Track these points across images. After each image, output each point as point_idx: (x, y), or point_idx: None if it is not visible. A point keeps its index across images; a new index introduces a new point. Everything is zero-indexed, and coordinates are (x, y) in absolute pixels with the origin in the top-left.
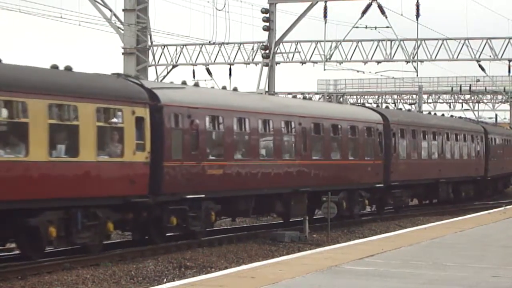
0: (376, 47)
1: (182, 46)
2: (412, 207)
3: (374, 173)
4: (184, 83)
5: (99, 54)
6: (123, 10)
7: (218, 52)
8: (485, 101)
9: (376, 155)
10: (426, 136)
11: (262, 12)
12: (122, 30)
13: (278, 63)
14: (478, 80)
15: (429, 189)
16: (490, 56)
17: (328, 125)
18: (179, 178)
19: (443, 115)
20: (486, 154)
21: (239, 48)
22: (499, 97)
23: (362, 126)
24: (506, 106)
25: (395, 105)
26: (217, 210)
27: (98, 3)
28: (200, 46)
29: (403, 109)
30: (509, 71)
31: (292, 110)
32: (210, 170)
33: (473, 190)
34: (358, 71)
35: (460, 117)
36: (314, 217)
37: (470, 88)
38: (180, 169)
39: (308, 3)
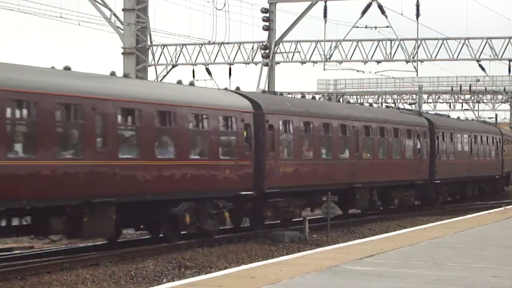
0: (376, 47)
1: (181, 46)
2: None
3: (237, 177)
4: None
5: (98, 54)
6: (122, 9)
7: (218, 52)
8: (485, 101)
9: (240, 154)
10: (330, 131)
11: (262, 12)
12: (122, 29)
13: (278, 63)
14: (478, 80)
15: (342, 196)
16: (490, 56)
17: (151, 112)
18: None
19: (371, 104)
20: (431, 153)
21: (239, 48)
22: (499, 97)
23: (215, 115)
24: (506, 106)
25: (395, 105)
26: None
27: (98, 2)
28: (200, 46)
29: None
30: (509, 71)
31: (78, 89)
32: None
33: (415, 196)
34: (358, 71)
35: (398, 108)
36: (147, 235)
37: (470, 88)
38: None
39: (308, 3)
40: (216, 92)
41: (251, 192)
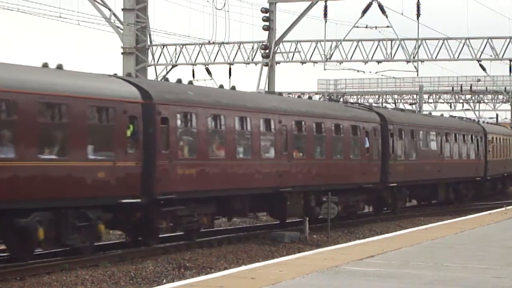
0: (377, 46)
1: (181, 46)
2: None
3: (116, 182)
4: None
5: (98, 53)
6: (122, 9)
7: (217, 51)
8: (486, 101)
9: (121, 153)
10: (249, 126)
11: (262, 12)
12: (122, 29)
13: (278, 62)
14: (479, 80)
15: (268, 202)
16: (491, 56)
17: None
18: None
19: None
20: (384, 152)
21: (239, 48)
22: (500, 97)
23: (82, 105)
24: (507, 106)
25: (395, 105)
26: None
27: (98, 2)
28: (200, 45)
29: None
30: (510, 71)
31: None
32: None
33: (365, 201)
34: (358, 71)
35: (345, 102)
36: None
37: (471, 88)
38: None
39: (308, 3)
40: (90, 78)
41: (139, 200)
